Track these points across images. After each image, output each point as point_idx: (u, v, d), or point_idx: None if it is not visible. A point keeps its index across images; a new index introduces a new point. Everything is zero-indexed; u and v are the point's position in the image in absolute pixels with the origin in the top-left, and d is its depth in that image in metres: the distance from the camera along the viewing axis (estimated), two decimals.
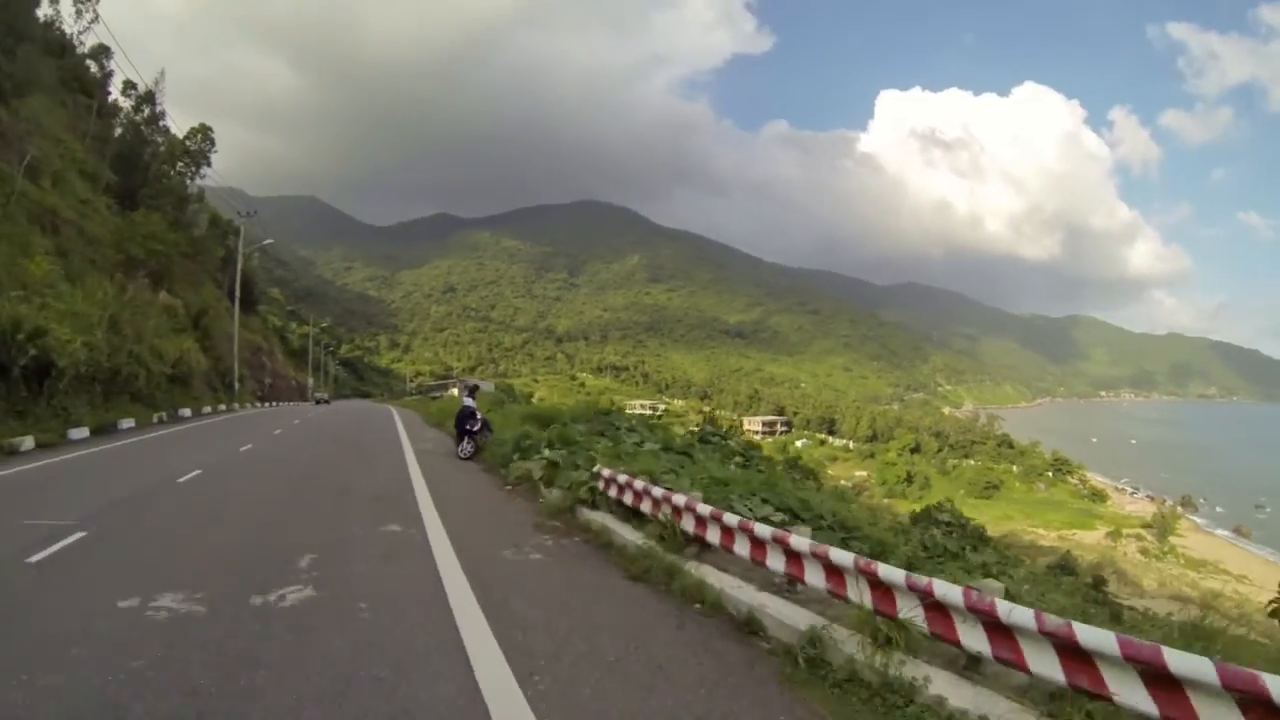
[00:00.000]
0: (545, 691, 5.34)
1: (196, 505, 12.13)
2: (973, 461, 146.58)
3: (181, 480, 14.53)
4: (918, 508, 41.97)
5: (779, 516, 10.44)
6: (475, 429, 19.92)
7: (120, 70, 62.02)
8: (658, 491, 10.14)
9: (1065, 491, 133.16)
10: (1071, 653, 4.92)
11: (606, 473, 11.94)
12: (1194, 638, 5.74)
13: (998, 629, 5.36)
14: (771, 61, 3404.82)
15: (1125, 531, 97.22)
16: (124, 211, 47.05)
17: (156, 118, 60.76)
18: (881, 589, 6.19)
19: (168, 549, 9.09)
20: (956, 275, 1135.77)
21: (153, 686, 5.06)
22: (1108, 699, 4.69)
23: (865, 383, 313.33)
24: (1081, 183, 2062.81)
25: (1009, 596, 5.88)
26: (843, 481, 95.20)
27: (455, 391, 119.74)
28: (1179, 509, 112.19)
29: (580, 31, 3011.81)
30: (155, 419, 30.07)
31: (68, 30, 57.49)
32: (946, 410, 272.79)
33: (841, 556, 6.61)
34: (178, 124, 65.07)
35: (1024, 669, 5.19)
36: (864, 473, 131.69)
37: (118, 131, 58.87)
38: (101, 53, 59.88)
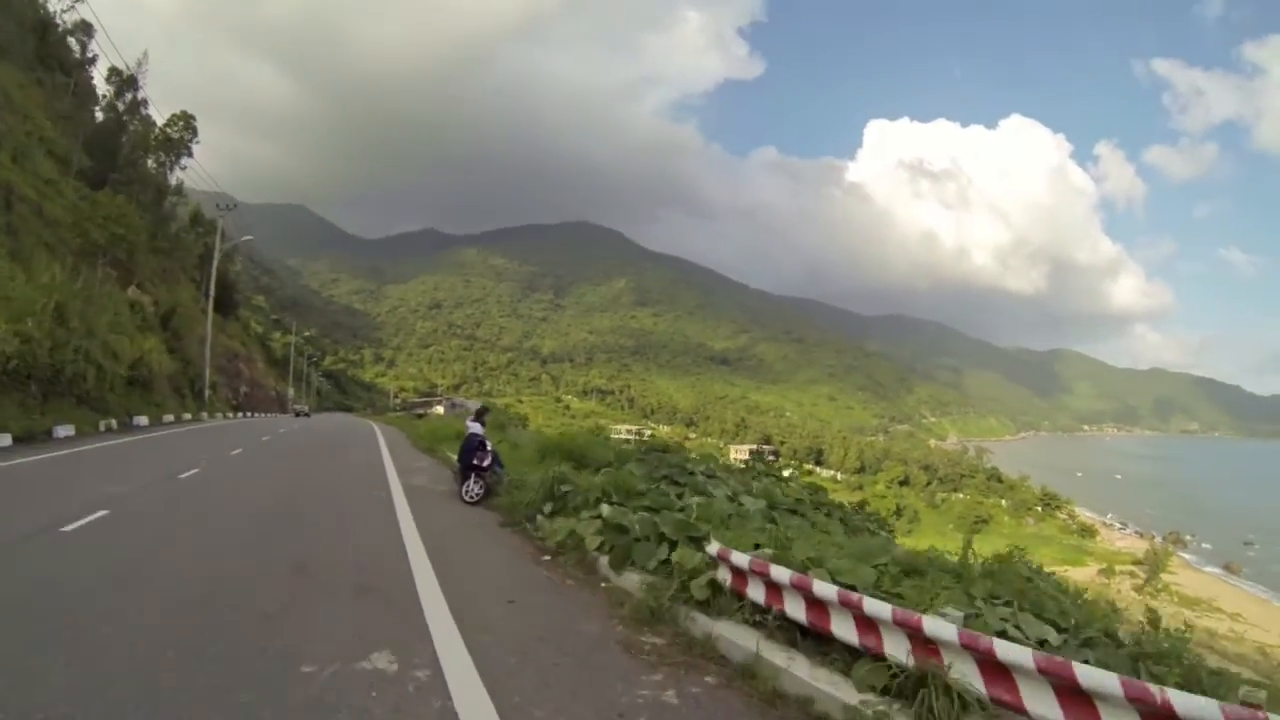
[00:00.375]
0: None
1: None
2: (962, 495, 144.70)
3: (65, 529, 9.57)
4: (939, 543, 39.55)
5: (1057, 637, 6.56)
6: (485, 465, 15.41)
7: (105, 56, 59.31)
8: (875, 607, 5.54)
9: (1054, 526, 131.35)
10: None
11: (740, 559, 7.12)
12: None
13: None
14: (762, 87, 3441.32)
15: (1118, 568, 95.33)
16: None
17: (138, 104, 58.14)
18: None
19: None
20: (942, 307, 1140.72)
21: None
22: None
23: (850, 413, 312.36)
24: (1067, 216, 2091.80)
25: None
26: None
27: (440, 410, 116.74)
28: (1170, 546, 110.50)
29: (572, 50, 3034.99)
30: (102, 427, 26.44)
31: (52, 8, 55.28)
32: (932, 443, 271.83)
33: None
34: (163, 116, 61.87)
35: None
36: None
37: (100, 117, 56.40)
38: (82, 29, 57.44)
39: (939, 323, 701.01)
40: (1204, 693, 4.56)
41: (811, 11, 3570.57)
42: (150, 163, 58.73)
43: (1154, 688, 4.02)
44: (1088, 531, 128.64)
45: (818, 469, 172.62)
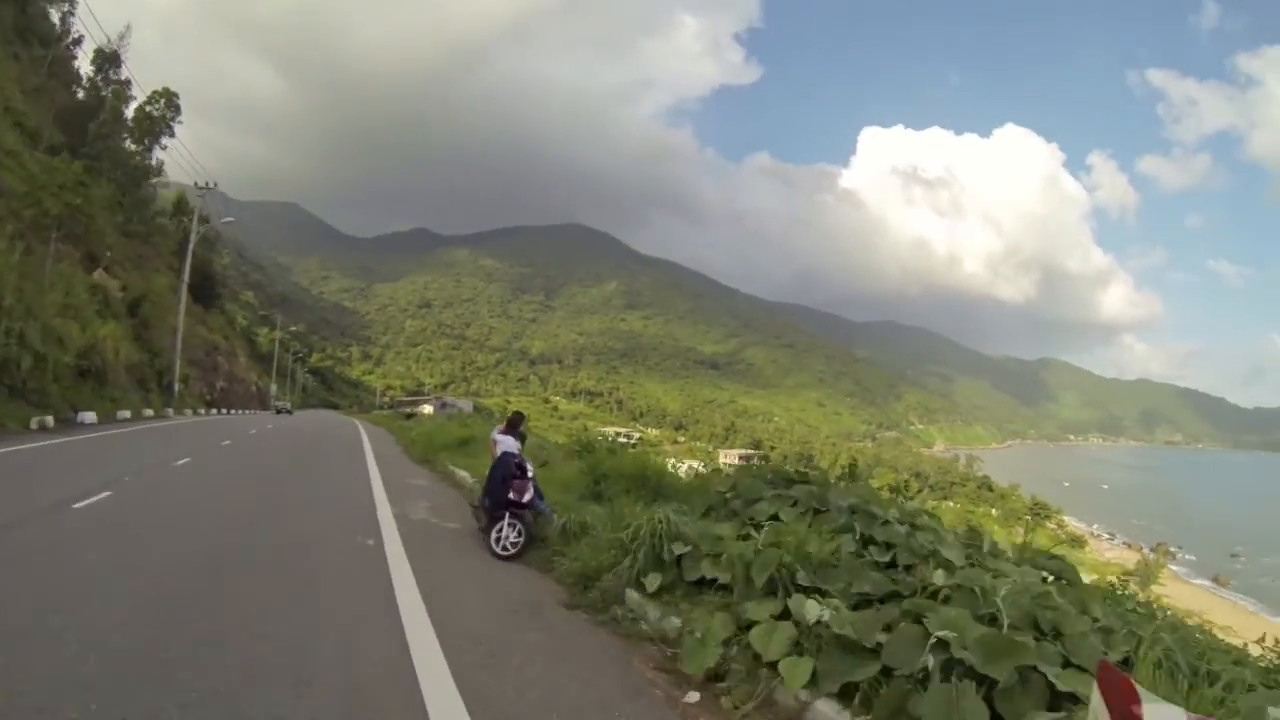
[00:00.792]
0: None
1: None
2: (952, 504, 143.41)
3: None
4: None
5: None
6: (526, 500, 10.27)
7: (91, 37, 56.34)
8: None
9: (1044, 536, 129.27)
10: None
11: None
12: None
13: None
14: (757, 93, 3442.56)
15: (1110, 580, 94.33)
16: None
17: (123, 85, 55.79)
18: None
19: None
20: (932, 314, 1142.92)
21: None
22: None
23: (839, 419, 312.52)
24: (1059, 225, 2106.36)
25: None
26: None
27: (430, 409, 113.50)
28: (1160, 558, 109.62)
29: (568, 52, 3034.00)
30: (34, 424, 22.77)
31: None
32: (923, 450, 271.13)
33: None
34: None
35: None
36: None
37: (82, 98, 54.20)
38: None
39: (929, 330, 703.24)
40: None
41: (809, 18, 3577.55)
42: (130, 144, 56.29)
43: None
44: (1077, 542, 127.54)
45: None
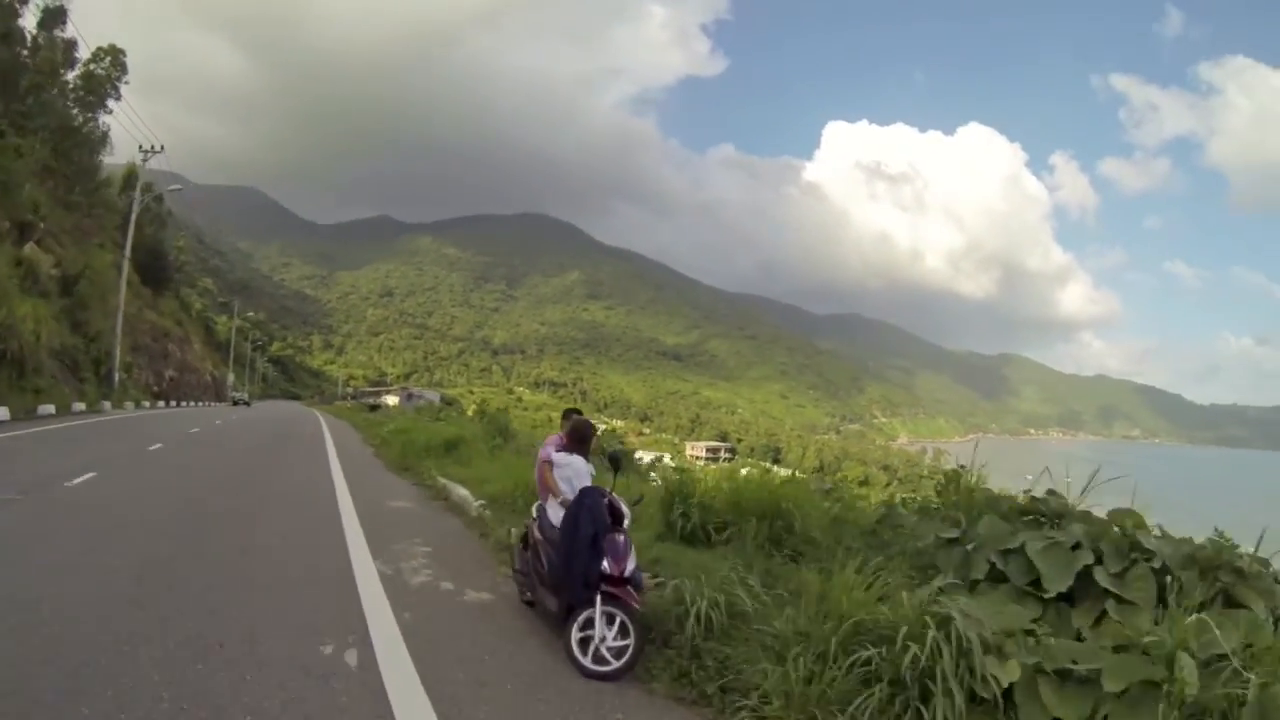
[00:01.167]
0: None
1: None
2: (919, 497, 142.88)
3: None
4: None
5: None
6: (628, 573, 5.88)
7: None
8: None
9: None
10: None
11: None
12: None
13: None
14: (723, 84, 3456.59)
15: None
16: None
17: (68, 42, 50.97)
18: None
19: None
20: (894, 308, 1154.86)
21: None
22: None
23: (802, 411, 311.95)
24: (1020, 224, 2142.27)
25: None
26: None
27: (394, 400, 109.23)
28: None
29: (535, 38, 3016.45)
30: None
31: None
32: (890, 443, 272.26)
33: None
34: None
35: None
36: None
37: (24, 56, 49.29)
38: None
39: (891, 324, 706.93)
40: None
41: (776, 11, 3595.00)
42: (75, 111, 51.52)
43: None
44: None
45: (776, 467, 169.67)
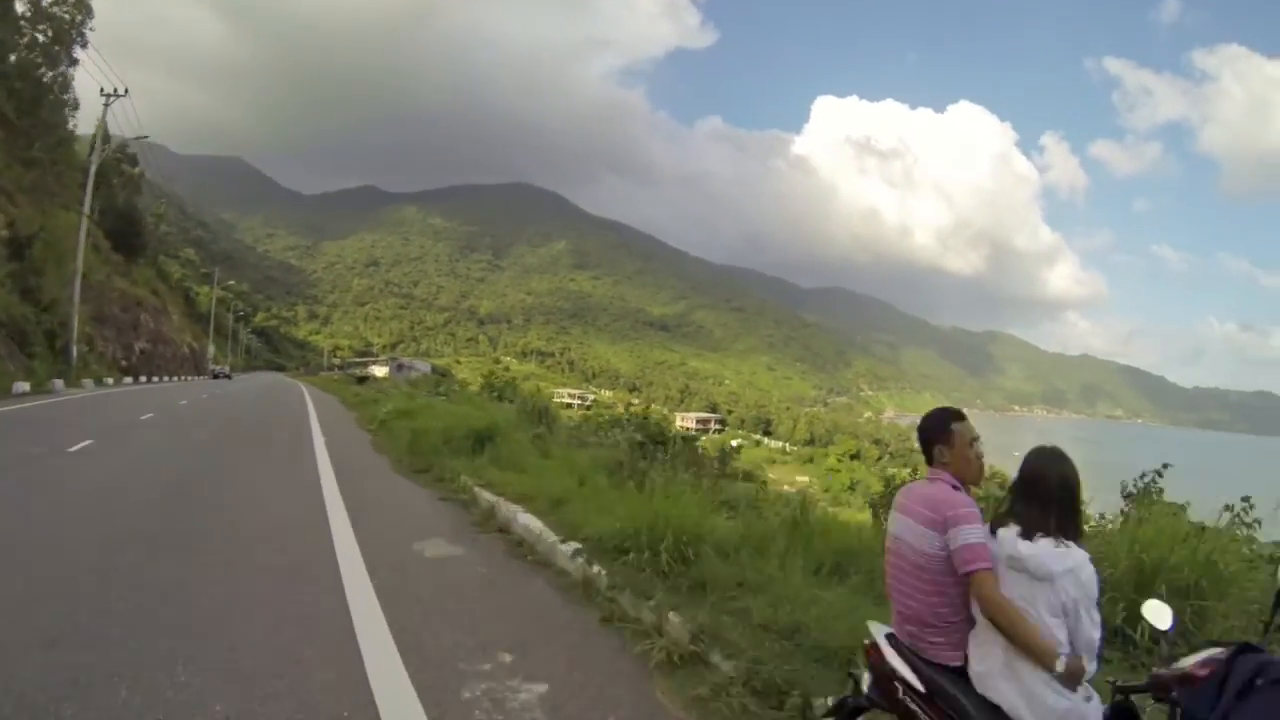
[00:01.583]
0: None
1: None
2: (909, 471, 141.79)
3: None
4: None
5: None
6: None
7: None
8: None
9: None
10: None
11: None
12: None
13: None
14: (713, 57, 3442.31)
15: None
16: None
17: None
18: None
19: None
20: (882, 283, 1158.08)
21: None
22: None
23: (789, 383, 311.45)
24: (1009, 202, 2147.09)
25: None
26: (786, 488, 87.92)
27: (383, 371, 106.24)
28: None
29: (522, 7, 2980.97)
30: None
31: None
32: (871, 415, 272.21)
33: None
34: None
35: None
36: (805, 478, 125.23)
37: None
38: None
39: (878, 298, 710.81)
40: None
41: None
42: (37, 59, 47.84)
43: None
44: None
45: (766, 440, 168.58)
